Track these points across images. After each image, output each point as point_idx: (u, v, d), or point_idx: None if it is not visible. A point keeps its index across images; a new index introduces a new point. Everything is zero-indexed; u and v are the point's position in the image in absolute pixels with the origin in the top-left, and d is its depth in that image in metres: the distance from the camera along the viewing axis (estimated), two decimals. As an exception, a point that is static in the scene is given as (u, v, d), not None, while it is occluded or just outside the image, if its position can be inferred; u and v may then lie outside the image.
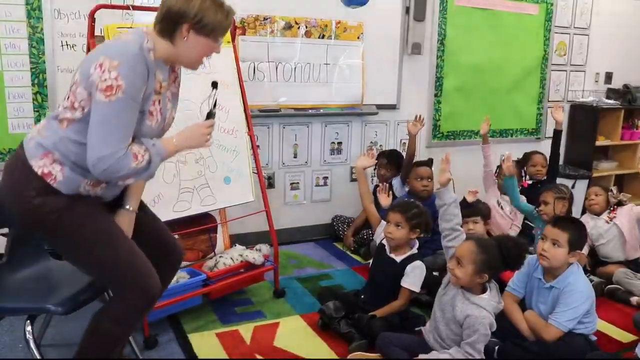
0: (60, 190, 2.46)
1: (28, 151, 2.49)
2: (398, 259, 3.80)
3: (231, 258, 4.05)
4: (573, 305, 3.43)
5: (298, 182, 5.52)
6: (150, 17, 2.63)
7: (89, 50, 3.54)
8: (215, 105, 2.74)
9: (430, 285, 3.94)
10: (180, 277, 3.77)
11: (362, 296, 3.88)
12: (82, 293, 2.79)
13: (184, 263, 3.82)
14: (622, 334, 3.97)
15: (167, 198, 3.75)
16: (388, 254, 3.82)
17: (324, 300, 3.84)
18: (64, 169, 2.47)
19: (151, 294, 2.56)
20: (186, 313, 3.84)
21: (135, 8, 3.72)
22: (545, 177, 5.42)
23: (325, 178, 5.65)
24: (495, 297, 3.19)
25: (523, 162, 5.54)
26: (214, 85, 2.81)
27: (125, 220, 2.70)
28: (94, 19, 3.53)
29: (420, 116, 5.10)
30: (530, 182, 5.46)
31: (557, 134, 5.30)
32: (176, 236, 3.22)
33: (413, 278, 3.74)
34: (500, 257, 3.09)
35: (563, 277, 3.54)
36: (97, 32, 3.58)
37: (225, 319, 3.84)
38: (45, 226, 2.46)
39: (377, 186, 4.83)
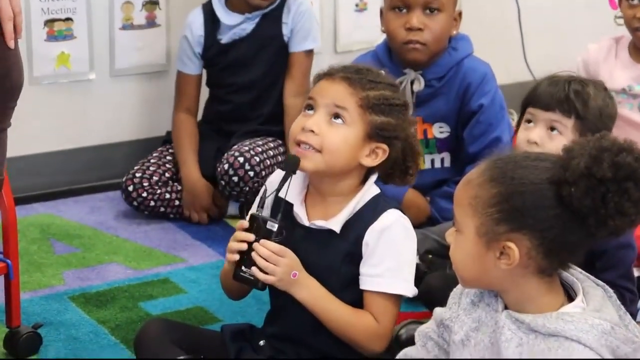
0: None
1: None
2: (335, 223, 1.70)
3: None
4: None
5: (70, 18, 2.77)
6: None
7: None
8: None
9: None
10: None
11: (262, 342, 1.75)
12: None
13: None
14: None
15: None
16: (304, 222, 1.73)
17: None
18: None
19: None
20: None
21: None
22: None
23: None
24: (608, 309, 1.39)
25: None
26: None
27: None
28: None
29: None
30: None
31: None
32: None
33: (391, 258, 1.68)
34: (552, 190, 1.34)
35: None
36: None
37: None
38: None
39: None
